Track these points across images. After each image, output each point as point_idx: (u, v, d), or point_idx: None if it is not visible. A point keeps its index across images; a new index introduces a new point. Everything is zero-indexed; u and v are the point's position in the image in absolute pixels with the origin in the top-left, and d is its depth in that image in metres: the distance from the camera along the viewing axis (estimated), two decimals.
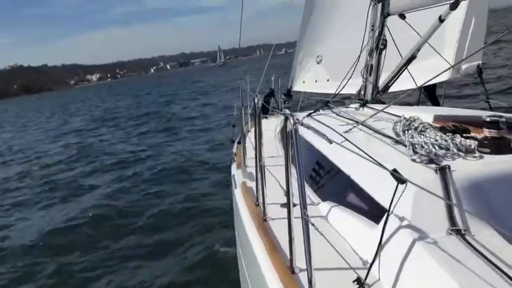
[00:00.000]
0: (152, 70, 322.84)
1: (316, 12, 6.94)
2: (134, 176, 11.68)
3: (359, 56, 4.44)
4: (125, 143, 18.38)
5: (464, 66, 5.19)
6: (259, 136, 2.64)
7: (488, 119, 2.18)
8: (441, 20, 3.61)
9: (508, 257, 1.53)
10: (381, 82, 4.63)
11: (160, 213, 8.57)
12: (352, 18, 5.65)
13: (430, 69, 4.64)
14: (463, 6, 4.85)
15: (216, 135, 16.09)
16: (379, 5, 4.40)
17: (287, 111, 1.87)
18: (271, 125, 5.75)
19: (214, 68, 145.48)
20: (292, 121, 1.75)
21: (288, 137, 1.84)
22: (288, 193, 1.90)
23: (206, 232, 7.24)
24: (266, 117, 6.88)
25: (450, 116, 3.05)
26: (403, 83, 4.54)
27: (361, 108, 4.17)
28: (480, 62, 5.24)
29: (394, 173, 1.90)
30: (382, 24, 4.40)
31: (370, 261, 1.80)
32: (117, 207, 9.27)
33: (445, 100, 6.00)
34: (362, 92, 4.76)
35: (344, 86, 4.64)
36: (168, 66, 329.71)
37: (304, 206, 1.71)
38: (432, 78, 3.71)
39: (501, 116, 2.16)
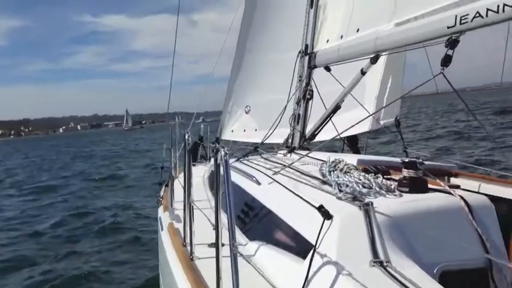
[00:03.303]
0: (61, 130, 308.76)
1: (245, 65, 7.17)
2: None
3: (285, 106, 4.60)
4: None
5: (383, 119, 5.53)
6: (188, 173, 2.61)
7: (406, 160, 2.32)
8: (363, 73, 3.86)
9: (425, 285, 1.60)
10: (308, 131, 4.80)
11: None
12: (279, 70, 5.90)
13: (353, 120, 4.90)
14: (382, 64, 5.24)
15: None
16: (306, 58, 4.63)
17: (216, 144, 1.87)
18: (200, 172, 5.71)
19: (125, 132, 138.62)
20: (223, 152, 1.76)
21: (219, 170, 1.84)
22: (216, 226, 1.87)
23: None
24: (194, 165, 6.84)
25: (372, 160, 3.21)
26: (329, 133, 4.74)
27: (288, 154, 4.27)
28: (398, 114, 5.63)
29: (321, 209, 1.95)
30: (309, 76, 4.61)
31: None
32: None
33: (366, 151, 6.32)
34: (290, 140, 4.89)
35: (271, 134, 4.75)
36: (78, 127, 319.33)
37: (233, 237, 1.69)
38: (353, 126, 3.92)
39: (418, 158, 2.31)
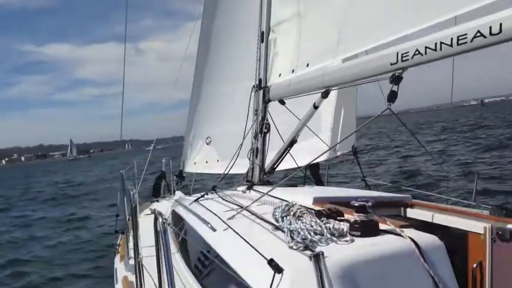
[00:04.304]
0: (3, 162, 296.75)
1: (204, 95, 7.16)
2: None
3: (242, 141, 4.59)
4: None
5: (340, 148, 5.60)
6: (135, 232, 2.54)
7: (356, 204, 2.31)
8: (315, 107, 3.90)
9: None
10: (267, 163, 4.79)
11: None
12: (237, 100, 5.92)
13: (312, 149, 4.93)
14: (334, 95, 5.33)
15: None
16: (261, 92, 4.65)
17: (157, 209, 1.83)
18: (163, 209, 5.61)
19: (69, 162, 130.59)
20: (161, 220, 1.72)
21: (159, 235, 1.79)
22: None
23: None
24: (158, 201, 6.74)
25: (328, 198, 3.20)
26: (289, 162, 4.75)
27: (247, 191, 4.23)
28: (354, 143, 5.71)
29: (271, 263, 1.93)
30: (264, 110, 4.62)
31: None
32: None
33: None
34: (250, 174, 4.86)
35: (234, 166, 4.72)
36: (22, 158, 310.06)
37: None
38: (313, 161, 3.95)
39: (367, 201, 2.31)
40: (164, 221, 1.72)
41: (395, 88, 2.94)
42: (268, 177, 4.76)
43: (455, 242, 2.88)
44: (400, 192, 3.95)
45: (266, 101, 4.58)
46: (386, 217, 2.63)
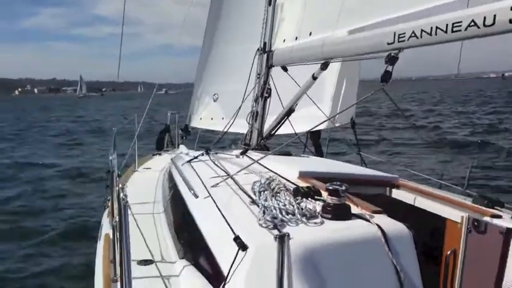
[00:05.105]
0: (17, 92, 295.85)
1: (214, 51, 7.09)
2: None
3: (242, 103, 4.57)
4: None
5: (339, 119, 5.57)
6: (112, 196, 2.60)
7: (330, 187, 2.31)
8: (314, 78, 3.84)
9: None
10: (266, 128, 4.78)
11: None
12: (246, 60, 5.85)
13: (312, 116, 4.90)
14: (337, 65, 5.24)
15: None
16: (265, 56, 4.59)
17: (122, 189, 1.85)
18: (162, 163, 5.69)
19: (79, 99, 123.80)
20: (122, 195, 1.75)
21: (121, 212, 1.83)
22: (121, 274, 1.87)
23: None
24: (160, 154, 6.83)
25: (313, 172, 3.21)
26: (289, 128, 4.74)
27: (241, 156, 4.25)
28: (353, 115, 5.66)
29: (237, 239, 1.97)
30: (267, 74, 4.57)
31: None
32: None
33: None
34: (248, 137, 4.88)
35: (236, 124, 4.72)
36: (35, 90, 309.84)
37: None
38: (310, 129, 3.92)
39: (342, 184, 2.30)
40: (124, 197, 1.76)
41: (389, 68, 2.89)
42: (265, 142, 4.78)
43: (435, 227, 2.90)
44: (393, 170, 3.95)
45: (269, 66, 4.53)
46: (367, 197, 2.64)
